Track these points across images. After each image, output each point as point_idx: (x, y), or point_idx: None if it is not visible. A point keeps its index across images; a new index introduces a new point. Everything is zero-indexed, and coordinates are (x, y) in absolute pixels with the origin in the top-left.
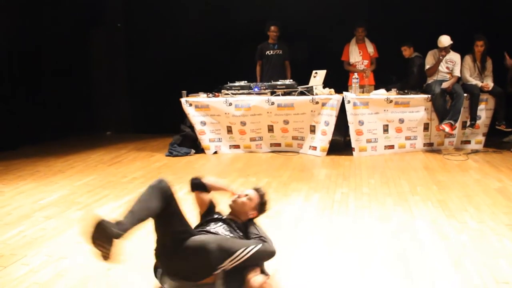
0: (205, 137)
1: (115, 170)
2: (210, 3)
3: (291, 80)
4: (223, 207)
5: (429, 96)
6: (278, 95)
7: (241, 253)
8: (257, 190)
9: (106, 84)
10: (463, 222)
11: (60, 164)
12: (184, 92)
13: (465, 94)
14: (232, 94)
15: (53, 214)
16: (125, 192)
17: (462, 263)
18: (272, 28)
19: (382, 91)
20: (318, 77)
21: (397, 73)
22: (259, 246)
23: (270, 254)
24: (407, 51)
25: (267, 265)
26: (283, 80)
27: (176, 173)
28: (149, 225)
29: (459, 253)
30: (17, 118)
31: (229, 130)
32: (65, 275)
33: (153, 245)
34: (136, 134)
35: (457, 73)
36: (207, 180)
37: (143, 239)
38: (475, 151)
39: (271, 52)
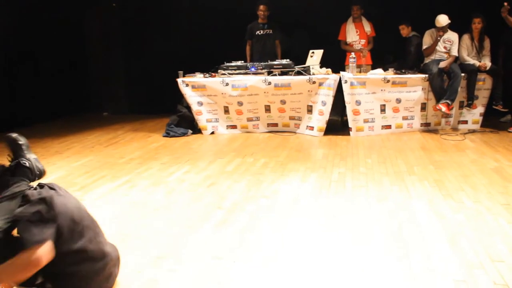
0: (202, 118)
1: (112, 151)
2: None
3: (288, 60)
4: None
5: (427, 75)
6: (275, 75)
7: None
8: None
9: (102, 65)
10: (460, 202)
11: (57, 145)
12: (181, 72)
13: (463, 74)
14: (229, 74)
15: None
16: (123, 172)
17: (458, 242)
18: (261, 7)
19: (379, 70)
20: (315, 56)
21: (395, 53)
22: None
23: None
24: (405, 30)
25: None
26: (280, 60)
27: (173, 153)
28: (147, 211)
29: (455, 232)
30: (14, 99)
31: (226, 110)
32: None
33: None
34: (132, 115)
35: (454, 52)
36: None
37: (141, 221)
38: (472, 131)
39: (261, 32)
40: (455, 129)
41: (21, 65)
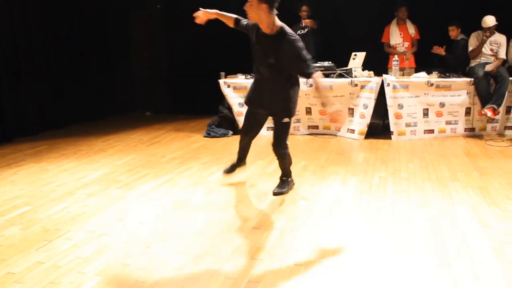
0: (243, 119)
1: (154, 150)
2: None
3: (330, 62)
4: None
5: (472, 79)
6: None
7: None
8: None
9: (146, 65)
10: (506, 210)
11: (101, 144)
12: (223, 73)
13: (511, 78)
14: None
15: (95, 192)
16: (164, 171)
17: (503, 251)
18: (303, 8)
19: (423, 74)
20: (357, 59)
21: (439, 56)
22: None
23: None
24: (454, 32)
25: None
26: (321, 62)
27: (214, 154)
28: (187, 210)
29: (501, 241)
30: (60, 98)
31: None
32: (106, 251)
33: None
34: (174, 115)
35: (502, 55)
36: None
37: (180, 219)
38: None
39: (302, 32)
40: (501, 134)
41: (69, 66)
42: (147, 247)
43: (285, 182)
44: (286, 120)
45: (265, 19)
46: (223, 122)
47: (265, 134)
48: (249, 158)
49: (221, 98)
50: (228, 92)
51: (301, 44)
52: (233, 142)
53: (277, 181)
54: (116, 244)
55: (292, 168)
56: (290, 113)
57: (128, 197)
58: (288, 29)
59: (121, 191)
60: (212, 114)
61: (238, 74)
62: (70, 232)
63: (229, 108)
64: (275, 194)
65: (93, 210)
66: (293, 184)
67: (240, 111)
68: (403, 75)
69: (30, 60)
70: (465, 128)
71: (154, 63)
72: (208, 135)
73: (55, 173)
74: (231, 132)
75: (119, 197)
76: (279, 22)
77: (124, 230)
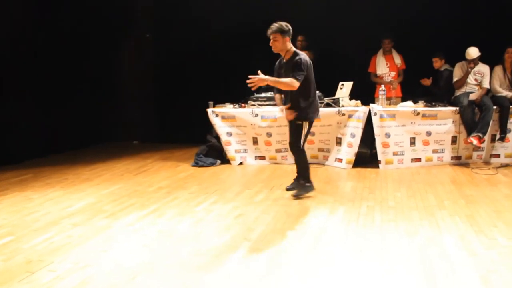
0: (231, 148)
1: (141, 179)
2: (237, 15)
3: (318, 92)
4: None
5: (457, 108)
6: None
7: None
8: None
9: (133, 94)
10: (492, 238)
11: (88, 173)
12: (211, 102)
13: (495, 107)
14: (259, 105)
15: (80, 222)
16: (151, 201)
17: (490, 280)
18: (299, 37)
19: (409, 103)
20: (344, 88)
21: (425, 85)
22: None
23: None
24: (438, 63)
25: None
26: None
27: (202, 183)
28: (174, 240)
29: (488, 270)
30: (46, 126)
31: (255, 141)
32: (90, 283)
33: None
34: (162, 144)
35: (486, 84)
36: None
37: (167, 250)
38: (505, 165)
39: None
40: (487, 162)
41: (56, 94)
42: (133, 279)
43: (300, 185)
44: (298, 122)
45: (287, 47)
46: (211, 151)
47: (253, 163)
48: (236, 187)
49: (209, 127)
50: (216, 121)
51: (304, 61)
52: (221, 171)
53: (265, 210)
54: (101, 276)
55: (280, 197)
56: (300, 117)
57: (113, 227)
58: (298, 51)
59: (107, 221)
60: (200, 143)
61: (226, 103)
62: (54, 263)
63: (217, 138)
64: (294, 196)
65: (77, 240)
66: (313, 189)
67: (228, 141)
68: (389, 104)
69: (15, 87)
70: (452, 157)
71: (141, 91)
72: (196, 164)
73: (39, 202)
74: (219, 162)
75: (104, 227)
76: (292, 48)
77: (109, 261)
